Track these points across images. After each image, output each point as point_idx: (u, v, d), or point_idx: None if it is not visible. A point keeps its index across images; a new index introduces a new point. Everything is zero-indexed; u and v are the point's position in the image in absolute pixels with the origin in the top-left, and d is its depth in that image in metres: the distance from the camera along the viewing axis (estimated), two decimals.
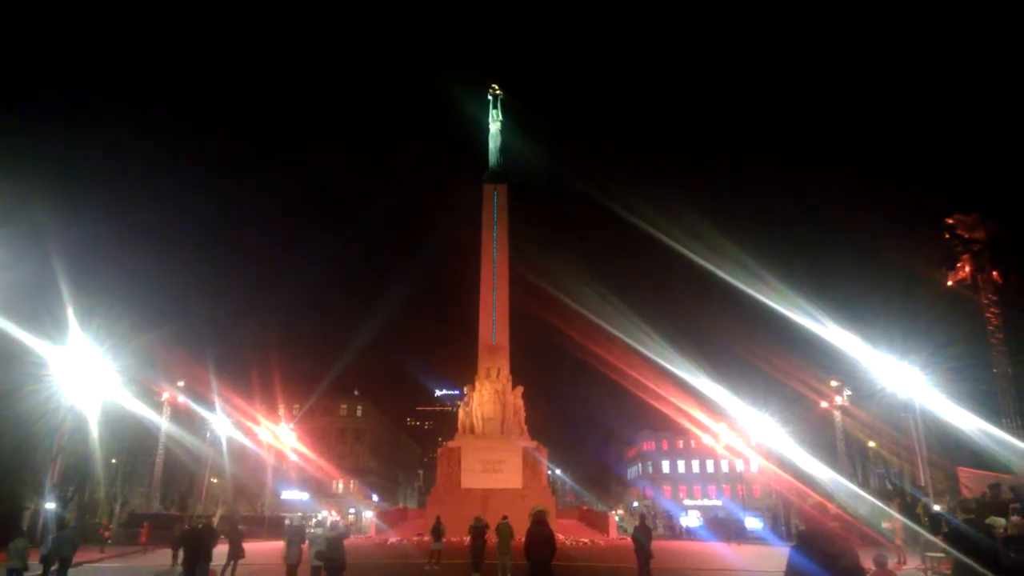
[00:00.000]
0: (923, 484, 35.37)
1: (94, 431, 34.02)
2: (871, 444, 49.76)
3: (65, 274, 30.43)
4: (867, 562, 8.04)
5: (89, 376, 31.90)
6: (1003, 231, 28.87)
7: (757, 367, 49.82)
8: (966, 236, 29.00)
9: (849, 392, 41.52)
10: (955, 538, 10.20)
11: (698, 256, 44.75)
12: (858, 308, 40.35)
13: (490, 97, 57.06)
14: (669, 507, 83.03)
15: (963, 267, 29.01)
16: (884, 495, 42.84)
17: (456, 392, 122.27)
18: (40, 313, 30.29)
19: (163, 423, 43.26)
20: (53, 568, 16.71)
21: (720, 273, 42.13)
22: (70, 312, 30.17)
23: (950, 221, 29.60)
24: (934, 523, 26.65)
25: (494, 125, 56.33)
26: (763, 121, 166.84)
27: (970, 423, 30.16)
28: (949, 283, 30.02)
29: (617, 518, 56.52)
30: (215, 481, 56.73)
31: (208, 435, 53.38)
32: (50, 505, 31.45)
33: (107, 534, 35.55)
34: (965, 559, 9.06)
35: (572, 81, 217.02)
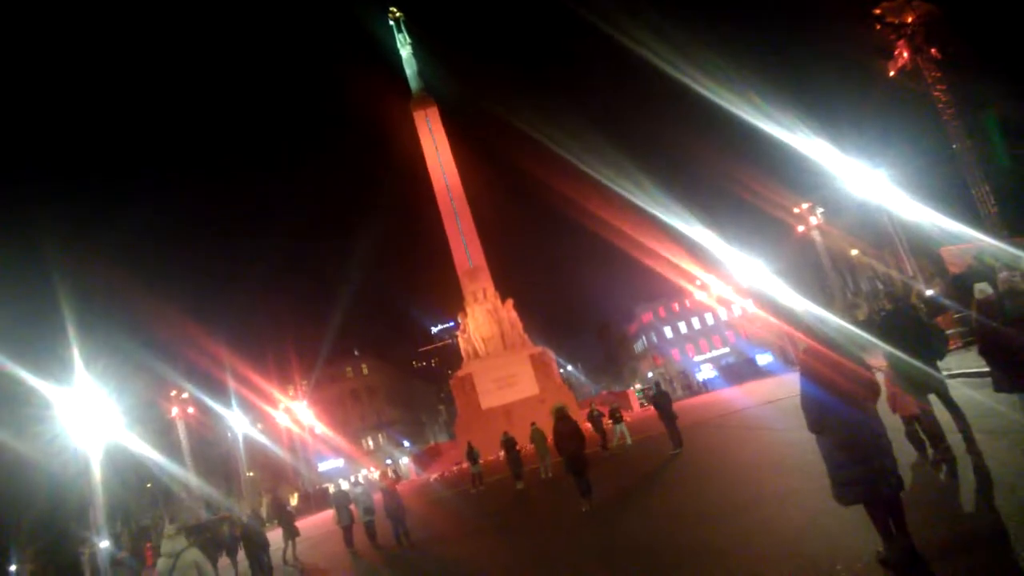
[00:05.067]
0: (911, 273, 36.44)
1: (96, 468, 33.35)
2: (853, 252, 51.01)
3: (70, 310, 29.48)
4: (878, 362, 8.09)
5: (96, 411, 31.07)
6: (931, 7, 28.29)
7: (736, 195, 49.15)
8: (896, 22, 28.47)
9: (822, 210, 41.90)
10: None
11: (678, 73, 40.28)
12: (825, 117, 39.34)
13: (391, 22, 54.36)
14: (685, 365, 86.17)
15: (900, 53, 28.61)
16: (877, 297, 44.28)
17: (452, 324, 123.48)
18: (45, 354, 29.40)
19: (181, 436, 43.34)
20: None
21: (698, 88, 38.55)
22: (75, 352, 29.12)
23: (878, 11, 28.96)
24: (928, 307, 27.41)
25: (404, 50, 53.98)
26: None
27: (938, 219, 29.92)
28: (892, 73, 29.66)
29: (637, 392, 58.64)
30: (251, 475, 57.74)
31: (230, 435, 53.77)
32: (104, 543, 31.79)
33: None
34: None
35: None
